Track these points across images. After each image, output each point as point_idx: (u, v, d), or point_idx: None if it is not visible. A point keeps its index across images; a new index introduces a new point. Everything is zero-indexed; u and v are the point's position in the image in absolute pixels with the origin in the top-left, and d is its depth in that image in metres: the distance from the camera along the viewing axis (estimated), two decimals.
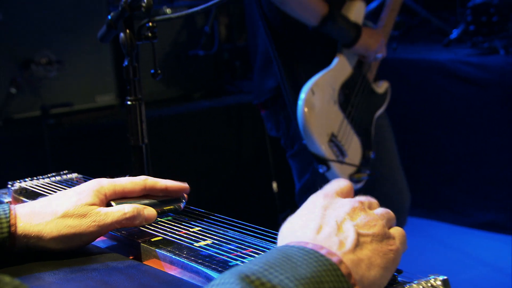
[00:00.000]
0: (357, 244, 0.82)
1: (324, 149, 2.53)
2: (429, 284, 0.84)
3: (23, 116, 3.77)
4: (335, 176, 2.59)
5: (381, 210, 0.91)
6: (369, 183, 2.68)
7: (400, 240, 0.88)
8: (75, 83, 3.91)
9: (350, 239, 0.83)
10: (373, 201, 0.94)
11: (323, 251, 0.79)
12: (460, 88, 4.29)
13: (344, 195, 0.94)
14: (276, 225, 1.12)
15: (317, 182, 2.61)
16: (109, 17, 1.69)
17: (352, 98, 2.67)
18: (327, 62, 2.63)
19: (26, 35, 3.77)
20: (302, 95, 2.51)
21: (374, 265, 0.82)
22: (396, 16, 2.82)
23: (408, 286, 0.84)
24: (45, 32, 3.82)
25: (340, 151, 2.59)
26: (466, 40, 4.72)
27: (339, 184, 0.95)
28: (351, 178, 2.61)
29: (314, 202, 0.92)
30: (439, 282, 0.84)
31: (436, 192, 4.47)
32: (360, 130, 2.69)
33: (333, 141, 2.56)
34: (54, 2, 3.85)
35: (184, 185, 1.19)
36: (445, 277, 0.86)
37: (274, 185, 4.04)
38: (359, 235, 0.84)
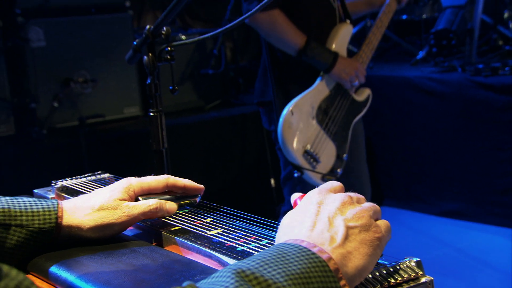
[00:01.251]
0: (346, 237, 0.81)
1: (299, 160, 2.52)
2: (405, 265, 0.83)
3: (63, 126, 3.76)
4: (309, 179, 2.59)
5: (368, 204, 0.89)
6: (342, 175, 2.66)
7: (385, 229, 0.86)
8: (106, 98, 3.90)
9: (340, 234, 0.81)
10: (361, 196, 0.92)
11: (315, 249, 0.78)
12: (425, 99, 4.29)
13: (335, 190, 0.93)
14: (273, 215, 1.12)
15: (292, 175, 2.65)
16: (135, 43, 1.69)
17: (331, 112, 2.63)
18: (313, 81, 2.61)
19: (66, 58, 3.76)
20: (283, 114, 2.50)
21: (362, 254, 0.81)
22: (376, 46, 2.78)
23: (388, 267, 0.83)
24: (81, 56, 3.81)
25: (314, 159, 2.57)
26: (429, 60, 4.74)
27: (332, 184, 0.94)
28: (323, 178, 2.59)
29: (311, 198, 0.90)
30: (413, 263, 0.84)
31: (408, 187, 4.46)
32: (337, 136, 2.65)
33: (308, 152, 2.54)
34: (89, 30, 3.84)
35: (200, 186, 1.17)
36: (418, 259, 0.85)
37: (272, 181, 4.04)
38: (348, 228, 0.82)
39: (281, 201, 3.96)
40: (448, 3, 4.91)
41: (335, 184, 0.94)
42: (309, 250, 0.77)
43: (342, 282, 0.75)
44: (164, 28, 1.62)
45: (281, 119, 2.49)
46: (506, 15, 4.71)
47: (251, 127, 4.18)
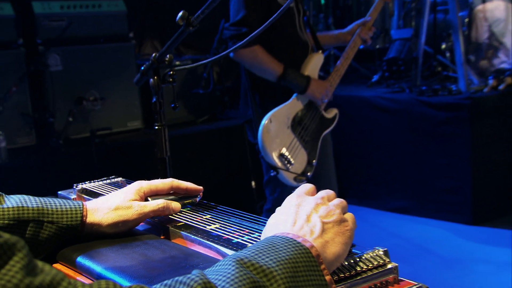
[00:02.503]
0: (323, 230, 0.82)
1: (275, 161, 2.51)
2: (375, 254, 0.83)
3: (77, 137, 3.73)
4: (283, 178, 2.58)
5: (337, 201, 0.90)
6: (312, 178, 2.64)
7: (352, 221, 0.87)
8: (113, 113, 3.88)
9: (317, 228, 0.82)
10: (331, 193, 0.92)
11: (299, 239, 0.78)
12: (379, 115, 4.31)
13: (310, 194, 0.93)
14: (254, 211, 1.14)
15: (276, 178, 2.62)
16: (142, 68, 1.68)
17: (303, 123, 2.61)
18: (288, 98, 2.60)
19: (79, 80, 3.74)
20: (263, 122, 2.49)
21: (337, 243, 0.82)
22: (343, 74, 2.76)
23: (360, 255, 0.84)
24: (92, 78, 3.79)
25: (288, 162, 2.55)
26: (382, 82, 4.75)
27: (306, 187, 0.94)
28: (295, 179, 2.58)
29: (290, 202, 0.91)
30: (381, 252, 0.84)
31: (365, 187, 4.47)
32: (308, 144, 2.63)
33: (283, 155, 2.53)
34: (98, 57, 3.82)
35: (200, 187, 1.18)
36: (385, 249, 0.85)
37: (253, 183, 4.04)
38: (323, 223, 0.83)
39: (260, 200, 3.96)
40: (397, 36, 4.95)
41: (308, 186, 0.94)
42: (295, 240, 0.78)
43: (323, 266, 0.76)
44: (168, 56, 1.62)
45: (261, 126, 2.48)
46: (443, 46, 4.76)
47: (235, 138, 4.17)
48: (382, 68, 4.84)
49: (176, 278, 0.70)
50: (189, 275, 0.71)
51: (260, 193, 3.89)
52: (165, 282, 0.70)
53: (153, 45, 5.37)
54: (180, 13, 1.54)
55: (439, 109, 3.99)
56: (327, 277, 0.75)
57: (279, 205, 2.86)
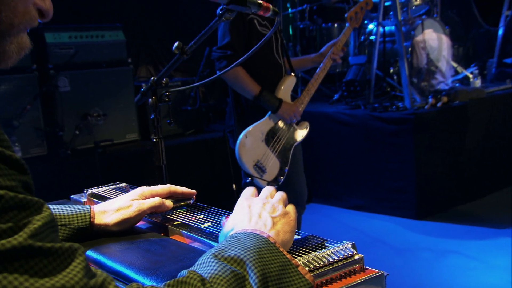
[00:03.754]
0: (273, 223, 0.84)
1: (250, 170, 2.50)
2: (344, 247, 0.83)
3: (83, 148, 3.69)
4: (258, 184, 2.57)
5: (278, 196, 0.92)
6: (284, 182, 2.63)
7: (293, 212, 0.89)
8: (113, 127, 3.83)
9: (268, 222, 0.84)
10: (272, 190, 0.95)
11: (257, 232, 0.80)
12: (339, 127, 4.33)
13: (255, 195, 0.95)
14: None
15: (251, 183, 2.62)
16: (142, 89, 1.67)
17: (276, 137, 2.59)
18: (264, 113, 2.59)
19: (84, 99, 3.71)
20: (239, 137, 2.48)
21: (286, 231, 0.84)
22: (313, 93, 2.74)
23: (331, 248, 0.83)
24: (95, 97, 3.75)
25: (262, 170, 2.54)
26: (342, 100, 4.78)
27: (250, 190, 0.97)
28: (268, 184, 2.55)
29: (242, 204, 0.93)
30: (349, 245, 0.84)
31: (329, 189, 4.47)
32: (280, 154, 2.62)
33: (257, 165, 2.52)
34: (101, 79, 3.78)
35: (193, 191, 1.18)
36: (353, 242, 0.85)
37: (234, 186, 4.02)
38: (272, 218, 0.85)
39: None
40: (353, 62, 4.99)
41: (251, 189, 0.97)
42: (254, 233, 0.80)
43: (281, 249, 0.77)
44: (164, 79, 1.62)
45: (238, 141, 2.48)
46: (391, 70, 4.80)
47: (218, 147, 4.16)
48: (342, 89, 4.86)
49: (177, 279, 0.70)
50: (186, 276, 0.71)
51: (240, 195, 3.90)
52: (167, 282, 0.70)
53: (147, 69, 5.35)
54: (176, 44, 1.53)
55: (389, 122, 4.03)
56: (288, 255, 0.76)
57: None
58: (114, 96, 3.84)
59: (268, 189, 0.94)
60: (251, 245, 0.75)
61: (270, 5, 1.41)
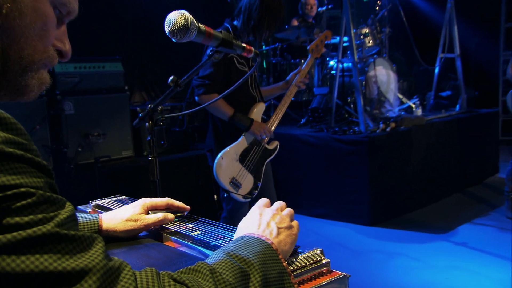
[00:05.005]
0: (278, 233, 0.83)
1: (227, 186, 2.46)
2: (314, 253, 0.84)
3: (84, 163, 3.63)
4: (234, 197, 2.53)
5: (287, 211, 0.90)
6: (257, 195, 2.59)
7: (296, 227, 0.88)
8: (111, 145, 3.79)
9: (274, 231, 0.83)
10: (283, 205, 0.92)
11: (263, 238, 0.80)
12: (305, 147, 4.35)
13: (267, 206, 0.93)
14: (215, 218, 1.14)
15: (231, 195, 2.60)
16: (140, 115, 1.65)
17: (249, 156, 2.56)
18: (238, 135, 2.56)
19: (86, 121, 3.66)
20: (216, 158, 2.45)
21: (287, 243, 0.83)
22: (281, 117, 2.72)
23: (303, 253, 0.84)
24: (96, 119, 3.70)
25: (237, 186, 2.51)
26: (308, 124, 4.81)
27: (264, 201, 0.95)
28: (243, 197, 2.53)
29: (254, 212, 0.91)
30: (318, 251, 0.84)
31: (296, 199, 4.46)
32: (254, 171, 2.59)
33: (233, 181, 2.49)
34: (101, 104, 3.75)
35: (187, 206, 1.17)
36: (321, 249, 0.85)
37: (215, 197, 4.01)
38: (278, 228, 0.84)
39: (219, 209, 3.93)
40: (317, 92, 5.06)
41: (265, 201, 0.95)
42: (260, 238, 0.79)
43: (280, 256, 0.77)
44: (160, 107, 1.61)
45: (215, 162, 2.45)
46: (349, 100, 4.87)
47: (202, 163, 4.14)
48: (308, 114, 4.91)
49: (189, 267, 0.70)
50: (197, 265, 0.70)
51: (220, 205, 3.88)
52: (181, 270, 0.70)
53: (141, 95, 5.33)
54: (171, 78, 1.53)
55: (347, 144, 4.06)
56: (284, 264, 0.76)
57: (232, 214, 2.86)
58: (112, 118, 3.81)
59: (280, 203, 0.92)
60: (258, 250, 0.75)
61: (252, 48, 1.42)
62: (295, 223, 0.89)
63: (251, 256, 0.73)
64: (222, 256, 0.72)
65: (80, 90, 3.65)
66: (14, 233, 0.53)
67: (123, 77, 3.92)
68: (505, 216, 4.05)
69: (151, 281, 0.64)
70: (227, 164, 2.48)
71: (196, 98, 2.47)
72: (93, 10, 4.64)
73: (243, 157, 2.54)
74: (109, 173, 3.65)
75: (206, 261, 0.73)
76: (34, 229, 0.54)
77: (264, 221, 0.86)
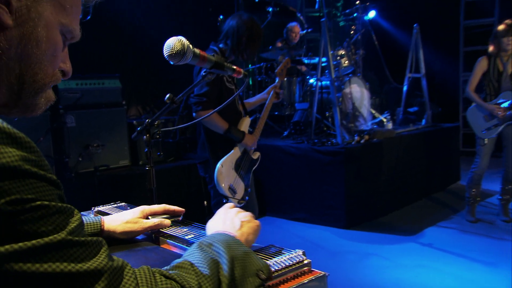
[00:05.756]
0: (241, 226, 0.87)
1: (226, 192, 2.48)
2: (296, 254, 0.84)
3: (85, 171, 3.60)
4: (232, 203, 2.51)
5: (247, 212, 0.95)
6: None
7: (257, 223, 0.92)
8: (109, 155, 3.76)
9: (237, 225, 0.88)
10: (240, 209, 0.96)
11: (227, 232, 0.84)
12: (288, 157, 4.35)
13: (232, 207, 0.97)
14: (204, 223, 1.13)
15: (221, 202, 2.56)
16: (138, 128, 1.65)
17: (241, 165, 2.60)
18: (230, 148, 2.58)
19: (87, 133, 3.63)
20: (217, 167, 2.47)
21: (249, 233, 0.87)
22: (262, 127, 2.75)
23: (287, 255, 0.84)
24: (96, 131, 3.68)
25: (234, 192, 2.53)
26: (290, 136, 4.81)
27: (229, 204, 0.98)
28: (238, 202, 2.55)
29: (220, 213, 0.95)
30: (300, 253, 0.84)
31: (279, 204, 4.45)
32: (244, 178, 2.62)
33: (230, 187, 2.51)
34: (100, 117, 3.73)
35: (182, 209, 1.17)
36: (303, 250, 0.85)
37: (205, 202, 4.01)
38: (241, 222, 0.89)
39: (209, 214, 3.92)
40: (299, 107, 5.09)
41: (230, 204, 0.98)
42: (224, 233, 0.83)
43: (243, 242, 0.81)
44: (156, 121, 1.61)
45: (216, 170, 2.46)
46: (327, 114, 4.89)
47: (193, 173, 4.13)
48: (290, 127, 4.91)
49: (174, 264, 0.73)
50: (180, 261, 0.73)
51: (209, 210, 3.87)
52: (167, 267, 0.72)
53: (137, 109, 5.30)
54: (168, 95, 1.54)
55: (325, 154, 4.08)
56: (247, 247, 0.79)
57: None
58: (111, 130, 3.79)
59: (240, 209, 0.97)
60: (222, 239, 0.78)
61: (242, 70, 1.45)
62: (257, 221, 0.93)
63: (216, 243, 0.77)
64: (195, 251, 0.76)
65: (81, 105, 3.63)
66: (34, 241, 0.55)
67: (120, 92, 3.91)
68: (466, 220, 4.11)
69: (148, 277, 0.66)
70: (226, 171, 2.50)
71: (194, 114, 2.47)
72: (95, 32, 4.62)
73: (237, 165, 2.57)
74: (108, 181, 3.62)
75: (184, 256, 0.76)
76: (51, 237, 0.56)
77: (229, 218, 0.91)
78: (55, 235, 0.57)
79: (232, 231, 0.85)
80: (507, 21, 3.67)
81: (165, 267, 0.72)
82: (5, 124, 0.58)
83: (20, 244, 0.54)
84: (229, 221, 0.89)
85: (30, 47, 0.63)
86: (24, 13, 0.62)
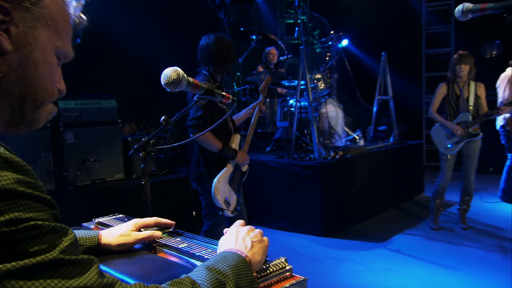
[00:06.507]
0: (252, 246, 0.84)
1: (222, 205, 2.47)
2: (279, 261, 0.84)
3: (82, 184, 3.55)
4: (226, 214, 2.52)
5: (258, 230, 0.91)
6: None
7: (267, 241, 0.89)
8: (105, 169, 3.72)
9: (248, 245, 0.84)
10: (252, 227, 0.93)
11: (239, 252, 0.80)
12: (270, 171, 4.35)
13: (243, 225, 0.93)
14: (193, 231, 1.11)
15: (212, 212, 2.60)
16: (135, 146, 1.65)
17: (234, 179, 2.60)
18: (223, 165, 2.58)
19: (84, 149, 3.60)
20: (214, 182, 2.46)
21: (259, 254, 0.84)
22: (250, 142, 2.76)
23: (270, 262, 0.84)
24: (92, 147, 3.64)
25: (228, 203, 2.52)
26: (272, 152, 4.80)
27: (240, 222, 0.95)
28: (232, 212, 2.54)
29: (232, 230, 0.91)
30: (283, 260, 0.85)
31: (263, 214, 4.43)
32: (236, 190, 2.61)
33: (226, 200, 2.50)
34: (97, 135, 3.70)
35: (173, 222, 1.17)
36: (285, 258, 0.85)
37: (194, 213, 3.99)
38: (252, 242, 0.85)
39: (197, 224, 3.90)
40: (280, 125, 5.10)
41: (241, 221, 0.95)
42: (236, 253, 0.80)
43: (252, 267, 0.78)
44: (152, 140, 1.62)
45: (213, 185, 2.45)
46: (305, 132, 4.93)
47: (183, 185, 4.11)
48: (272, 144, 4.92)
49: (174, 280, 0.70)
50: (182, 278, 0.71)
51: (198, 220, 3.84)
52: (168, 282, 0.70)
53: (130, 127, 5.27)
54: (163, 117, 1.56)
55: (304, 168, 4.09)
56: (254, 274, 0.78)
57: (212, 228, 2.82)
58: (107, 146, 3.76)
59: (250, 226, 0.94)
60: (233, 263, 0.76)
61: (230, 95, 1.49)
62: (265, 238, 0.90)
63: (227, 268, 0.74)
64: (203, 271, 0.74)
65: (79, 123, 3.60)
66: (26, 260, 0.54)
67: (116, 112, 3.90)
68: (430, 227, 4.16)
69: None
70: (222, 186, 2.49)
71: (191, 135, 2.47)
72: (93, 57, 4.63)
73: (230, 180, 2.57)
74: (104, 193, 3.57)
75: (189, 274, 0.73)
76: (42, 256, 0.55)
77: (241, 237, 0.87)
78: (47, 254, 0.56)
79: (244, 251, 0.82)
80: (460, 51, 3.84)
81: (163, 284, 0.69)
82: (1, 149, 0.58)
83: (13, 263, 0.53)
84: (241, 240, 0.86)
85: (28, 70, 0.65)
86: (22, 39, 0.63)
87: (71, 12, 0.71)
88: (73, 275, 0.57)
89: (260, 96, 2.88)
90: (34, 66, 0.65)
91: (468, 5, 1.15)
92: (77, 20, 0.72)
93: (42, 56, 0.65)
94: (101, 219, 1.32)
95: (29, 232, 0.55)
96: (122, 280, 0.87)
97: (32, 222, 0.55)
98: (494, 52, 6.31)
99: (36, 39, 0.65)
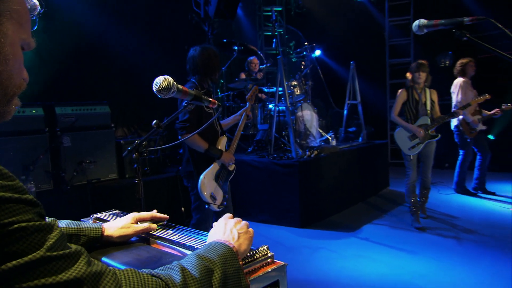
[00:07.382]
0: (239, 237, 0.84)
1: (208, 199, 2.46)
2: (262, 249, 0.86)
3: (79, 184, 3.49)
4: (212, 208, 2.50)
5: (244, 222, 0.90)
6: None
7: (252, 232, 0.89)
8: (100, 169, 3.67)
9: (235, 236, 0.83)
10: (240, 219, 0.91)
11: (227, 243, 0.80)
12: (253, 170, 4.35)
13: (230, 217, 0.92)
14: (183, 225, 1.13)
15: (199, 206, 2.59)
16: (129, 148, 1.64)
17: (220, 176, 2.58)
18: (211, 163, 2.57)
19: (80, 151, 3.54)
20: (200, 178, 2.46)
21: (245, 244, 0.84)
22: (236, 144, 2.75)
23: (254, 250, 0.85)
24: (88, 150, 3.59)
25: (214, 198, 2.51)
26: (254, 152, 4.80)
27: (228, 215, 0.93)
28: (218, 207, 2.52)
29: (220, 222, 0.90)
30: (265, 247, 0.86)
31: (246, 209, 4.41)
32: (223, 186, 2.60)
33: (212, 195, 2.49)
34: (92, 138, 3.64)
35: (167, 216, 1.16)
36: (267, 245, 0.86)
37: (182, 209, 3.97)
38: (239, 233, 0.84)
39: (186, 218, 3.88)
40: (261, 128, 5.10)
41: (229, 214, 0.94)
42: (224, 243, 0.80)
43: (239, 257, 0.78)
44: (144, 143, 1.62)
45: (199, 181, 2.45)
46: (284, 134, 4.96)
47: (172, 183, 4.07)
48: (253, 145, 4.92)
49: (166, 266, 0.71)
50: (173, 264, 0.71)
51: (186, 215, 3.83)
52: (160, 268, 0.70)
53: (123, 130, 5.19)
54: (154, 121, 1.56)
55: (283, 167, 4.11)
56: (240, 262, 0.78)
57: (200, 221, 2.80)
58: (101, 149, 3.70)
59: (238, 219, 0.92)
60: (221, 253, 0.75)
61: (216, 101, 1.50)
62: (251, 229, 0.90)
63: (215, 257, 0.74)
64: (193, 258, 0.73)
65: (75, 127, 3.54)
66: (14, 262, 0.52)
67: (109, 116, 3.84)
68: (414, 227, 3.85)
69: (131, 275, 0.64)
70: (208, 182, 2.48)
71: (180, 137, 2.46)
72: (88, 66, 4.56)
73: (216, 177, 2.56)
74: (99, 192, 3.52)
75: (180, 261, 0.72)
76: (30, 256, 0.53)
77: (228, 228, 0.86)
78: (34, 254, 0.53)
79: (232, 241, 0.81)
80: (419, 60, 3.95)
81: (156, 269, 0.70)
82: None
83: (3, 266, 0.51)
84: (229, 231, 0.84)
85: (0, 65, 0.61)
86: None
87: (28, 0, 0.66)
88: (62, 269, 0.55)
89: (247, 103, 2.89)
90: (5, 62, 0.60)
91: (423, 21, 1.21)
92: (33, 8, 0.68)
93: (12, 51, 0.61)
94: (98, 215, 1.31)
95: (14, 235, 0.52)
96: (133, 269, 0.87)
97: (15, 225, 0.53)
98: (447, 62, 6.55)
99: (5, 34, 0.60)
